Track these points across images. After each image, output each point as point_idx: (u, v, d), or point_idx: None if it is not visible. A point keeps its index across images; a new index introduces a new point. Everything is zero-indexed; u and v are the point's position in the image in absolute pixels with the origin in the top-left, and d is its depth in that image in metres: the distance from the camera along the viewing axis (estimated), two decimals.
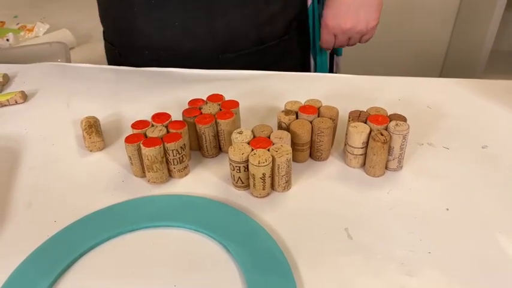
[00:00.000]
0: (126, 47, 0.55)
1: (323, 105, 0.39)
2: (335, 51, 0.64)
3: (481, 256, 0.29)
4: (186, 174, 0.37)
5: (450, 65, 1.57)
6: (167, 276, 0.28)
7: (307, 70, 0.62)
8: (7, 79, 0.51)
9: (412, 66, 1.59)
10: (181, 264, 0.29)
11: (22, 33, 0.98)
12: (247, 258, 0.29)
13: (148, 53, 0.53)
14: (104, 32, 0.60)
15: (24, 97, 0.47)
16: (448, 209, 0.33)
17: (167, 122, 0.37)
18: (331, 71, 0.65)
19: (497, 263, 0.29)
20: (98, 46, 0.95)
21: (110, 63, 0.60)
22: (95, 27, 1.04)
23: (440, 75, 1.61)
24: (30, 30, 0.98)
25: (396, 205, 0.34)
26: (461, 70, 1.48)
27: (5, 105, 0.46)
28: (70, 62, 0.69)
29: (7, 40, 0.95)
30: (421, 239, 0.31)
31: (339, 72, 0.65)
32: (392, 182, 0.36)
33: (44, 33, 1.00)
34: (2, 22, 0.99)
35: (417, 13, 1.50)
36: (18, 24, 0.97)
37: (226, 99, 0.41)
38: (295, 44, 0.59)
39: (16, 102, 0.46)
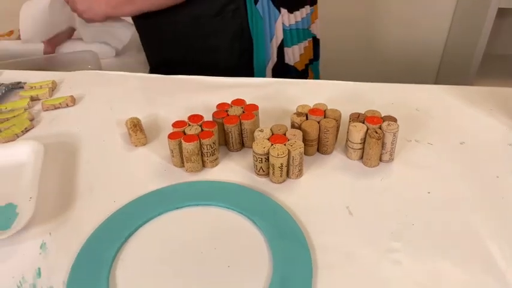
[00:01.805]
0: None
1: (328, 108, 0.47)
2: (284, 43, 0.74)
3: (453, 230, 0.37)
4: (216, 165, 0.45)
5: (445, 69, 1.66)
6: (207, 242, 0.36)
7: (243, 52, 0.72)
8: (55, 85, 0.59)
9: (409, 70, 1.67)
10: (219, 233, 0.37)
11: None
12: (270, 229, 0.37)
13: None
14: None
15: (74, 101, 0.55)
16: (429, 193, 0.41)
17: (201, 122, 0.45)
18: (280, 59, 0.75)
19: (465, 236, 0.37)
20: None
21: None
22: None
23: (436, 79, 1.70)
24: None
25: (387, 189, 0.42)
26: (456, 73, 1.56)
27: (58, 108, 0.54)
28: (101, 69, 0.77)
29: None
30: (406, 215, 0.39)
31: (289, 62, 0.77)
32: (385, 171, 0.44)
33: None
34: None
35: (414, 20, 1.58)
36: None
37: (247, 103, 0.49)
38: (228, 25, 0.70)
39: (67, 105, 0.54)
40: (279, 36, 0.73)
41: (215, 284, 0.33)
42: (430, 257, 0.35)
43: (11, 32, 1.05)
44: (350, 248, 0.36)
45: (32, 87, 0.57)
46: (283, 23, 0.73)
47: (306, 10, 0.76)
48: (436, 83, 1.57)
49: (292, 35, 0.75)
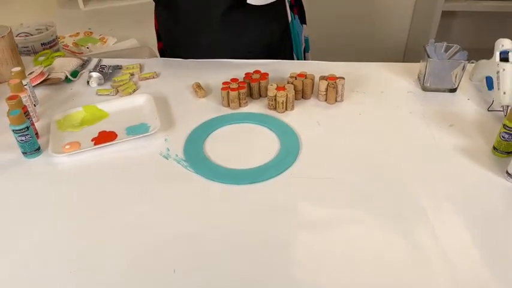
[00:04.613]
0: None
1: (308, 73, 0.84)
2: (306, 49, 1.09)
3: (376, 129, 0.75)
4: (246, 105, 0.81)
5: (409, 53, 2.06)
6: (248, 138, 0.73)
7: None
8: (141, 66, 0.95)
9: (382, 54, 2.06)
10: (253, 134, 0.74)
11: (98, 44, 1.40)
12: (279, 131, 0.74)
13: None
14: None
15: (156, 75, 0.91)
16: (360, 114, 0.78)
17: (238, 82, 0.81)
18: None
19: (381, 132, 0.74)
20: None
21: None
22: (147, 35, 1.47)
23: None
24: (105, 42, 1.40)
25: (340, 114, 0.79)
26: (417, 57, 1.95)
27: (148, 79, 0.90)
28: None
29: (87, 48, 1.37)
30: (349, 124, 0.76)
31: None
32: (338, 106, 0.81)
33: (114, 44, 1.41)
34: (90, 32, 1.42)
35: (382, 19, 1.98)
36: (100, 35, 1.40)
37: (262, 72, 0.85)
38: (281, 52, 1.00)
39: (153, 77, 0.90)
40: (302, 44, 1.07)
41: (253, 150, 0.70)
42: (366, 129, 0.72)
43: (77, 34, 1.40)
44: (320, 137, 0.73)
45: (128, 68, 0.93)
46: (304, 35, 1.06)
47: None
48: None
49: (309, 43, 1.09)
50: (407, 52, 2.07)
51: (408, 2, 1.96)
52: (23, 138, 0.68)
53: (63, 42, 1.35)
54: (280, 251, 0.54)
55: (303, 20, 1.05)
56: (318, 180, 0.64)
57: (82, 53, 1.32)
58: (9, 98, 0.68)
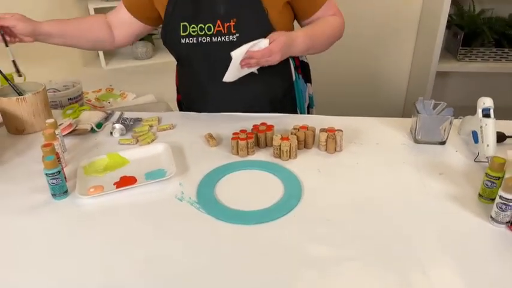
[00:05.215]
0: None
1: (309, 125, 0.93)
2: (311, 105, 1.19)
3: (372, 177, 0.82)
4: (254, 153, 0.90)
5: (408, 110, 2.16)
6: (255, 182, 0.81)
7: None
8: (159, 119, 1.05)
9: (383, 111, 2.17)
10: (259, 179, 0.81)
11: (119, 99, 1.53)
12: (283, 177, 0.81)
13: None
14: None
15: (173, 126, 1.01)
16: (357, 163, 0.86)
17: (246, 132, 0.90)
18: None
19: (376, 179, 0.81)
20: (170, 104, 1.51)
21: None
22: (163, 91, 1.60)
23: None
24: (124, 97, 1.54)
25: (339, 163, 0.86)
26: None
27: (165, 130, 1.00)
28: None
29: (108, 103, 1.50)
30: (346, 173, 0.83)
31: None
32: (337, 156, 0.89)
33: (133, 99, 1.54)
34: (112, 88, 1.55)
35: (383, 74, 2.11)
36: (120, 91, 1.54)
37: (268, 124, 0.95)
38: (284, 106, 1.10)
39: (170, 128, 1.00)
40: (306, 101, 1.17)
41: (260, 194, 0.77)
42: (362, 177, 0.79)
43: (100, 90, 1.53)
44: (321, 183, 0.80)
45: (147, 120, 1.04)
46: (308, 92, 1.17)
47: None
48: None
49: (313, 100, 1.20)
50: (406, 108, 2.19)
51: (405, 63, 2.11)
52: (54, 181, 0.76)
53: (86, 97, 1.48)
54: (282, 286, 0.59)
55: (307, 79, 1.16)
56: (318, 222, 0.70)
57: (103, 107, 1.44)
58: (44, 146, 0.77)
